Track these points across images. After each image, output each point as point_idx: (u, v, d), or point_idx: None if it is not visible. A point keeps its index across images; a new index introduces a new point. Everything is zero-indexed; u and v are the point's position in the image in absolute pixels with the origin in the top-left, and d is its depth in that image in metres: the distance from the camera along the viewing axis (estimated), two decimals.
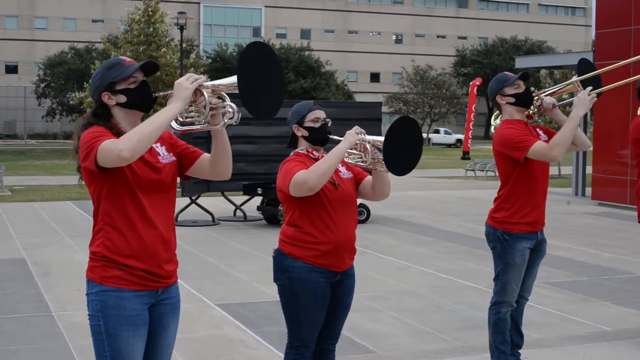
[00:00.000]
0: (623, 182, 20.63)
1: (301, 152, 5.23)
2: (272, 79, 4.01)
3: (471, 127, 50.45)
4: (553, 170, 31.91)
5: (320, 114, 5.22)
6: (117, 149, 3.73)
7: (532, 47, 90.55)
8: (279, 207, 16.46)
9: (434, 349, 7.83)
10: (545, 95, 6.49)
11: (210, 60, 71.41)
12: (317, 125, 5.19)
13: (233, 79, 3.88)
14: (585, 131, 26.70)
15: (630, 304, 9.62)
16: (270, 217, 17.54)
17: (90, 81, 4.15)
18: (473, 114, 50.73)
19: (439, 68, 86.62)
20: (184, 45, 48.39)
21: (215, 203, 19.42)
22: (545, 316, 9.22)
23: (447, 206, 21.65)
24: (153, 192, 4.06)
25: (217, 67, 73.15)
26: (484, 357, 6.88)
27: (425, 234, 16.01)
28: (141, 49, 46.32)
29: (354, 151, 5.12)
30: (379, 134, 18.68)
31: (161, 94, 4.09)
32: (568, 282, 11.21)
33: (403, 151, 4.93)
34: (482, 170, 34.21)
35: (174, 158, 4.21)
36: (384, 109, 59.30)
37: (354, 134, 5.01)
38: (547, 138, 6.41)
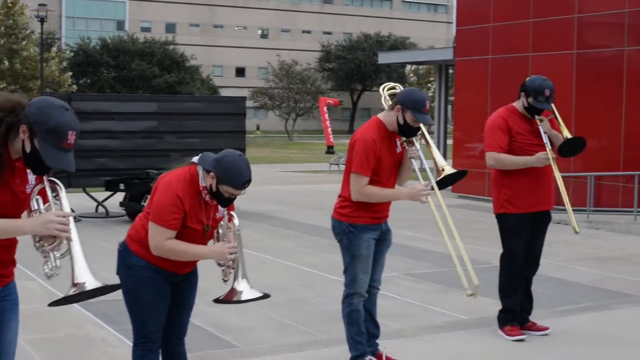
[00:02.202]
0: (482, 175, 21.14)
1: (199, 184, 5.00)
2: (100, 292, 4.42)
3: (328, 125, 51.64)
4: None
5: (238, 193, 4.96)
6: None
7: (396, 43, 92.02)
8: (142, 203, 16.26)
9: (297, 342, 7.89)
10: (418, 141, 6.62)
11: (72, 54, 69.83)
12: (226, 196, 4.97)
13: (83, 277, 4.27)
14: (445, 125, 27.34)
15: (488, 293, 9.86)
16: (134, 213, 17.29)
17: (33, 101, 3.92)
18: (328, 121, 52.09)
19: (304, 63, 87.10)
20: (45, 38, 47.29)
21: (76, 200, 19.00)
22: (405, 307, 9.40)
23: (311, 200, 21.79)
24: (8, 213, 3.98)
25: (80, 61, 71.64)
26: (345, 349, 6.97)
27: (289, 228, 16.08)
28: (2, 41, 45.12)
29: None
30: (243, 128, 18.40)
31: (46, 187, 4.01)
32: (428, 273, 11.46)
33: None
34: None
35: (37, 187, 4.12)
36: (249, 103, 59.18)
37: (225, 256, 4.97)
38: (401, 150, 6.56)
